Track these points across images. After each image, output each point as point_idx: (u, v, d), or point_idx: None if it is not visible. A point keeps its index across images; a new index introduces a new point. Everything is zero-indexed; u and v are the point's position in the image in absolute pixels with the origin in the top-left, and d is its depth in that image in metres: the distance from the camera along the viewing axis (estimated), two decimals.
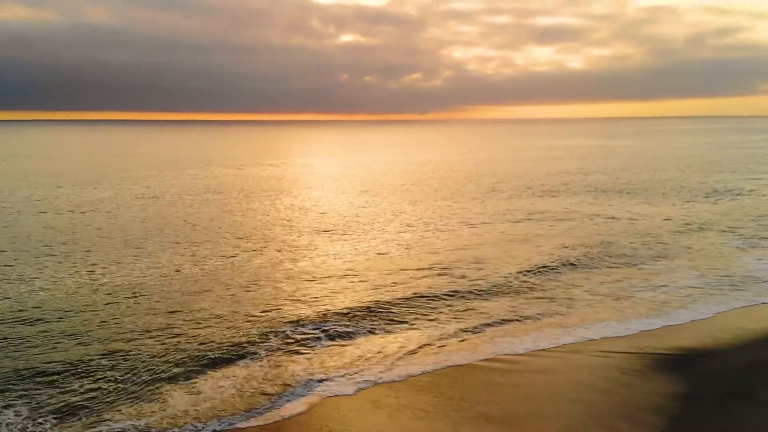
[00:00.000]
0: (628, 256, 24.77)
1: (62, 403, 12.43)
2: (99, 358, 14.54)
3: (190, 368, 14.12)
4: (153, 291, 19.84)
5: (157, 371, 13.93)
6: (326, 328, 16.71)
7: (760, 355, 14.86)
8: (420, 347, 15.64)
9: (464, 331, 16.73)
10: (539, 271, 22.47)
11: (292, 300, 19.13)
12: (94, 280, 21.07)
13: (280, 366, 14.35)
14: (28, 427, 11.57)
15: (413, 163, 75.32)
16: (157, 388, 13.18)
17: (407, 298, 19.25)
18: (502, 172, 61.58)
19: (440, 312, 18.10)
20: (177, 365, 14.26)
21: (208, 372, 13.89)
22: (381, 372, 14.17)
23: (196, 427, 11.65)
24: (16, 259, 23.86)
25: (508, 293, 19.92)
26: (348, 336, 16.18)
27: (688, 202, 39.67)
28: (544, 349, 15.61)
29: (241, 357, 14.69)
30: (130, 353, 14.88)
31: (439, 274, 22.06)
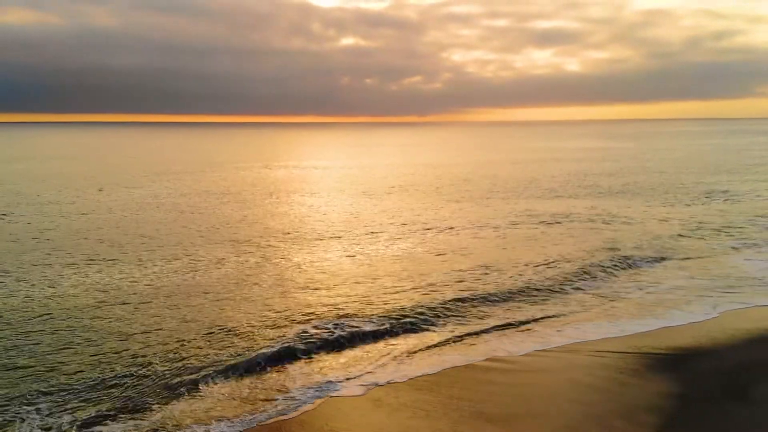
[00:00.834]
0: (626, 256, 24.77)
1: (69, 403, 12.46)
2: (108, 359, 14.59)
3: (192, 369, 14.12)
4: (173, 291, 19.92)
5: (161, 372, 13.95)
6: (327, 329, 16.72)
7: (755, 355, 14.90)
8: (420, 348, 15.67)
9: (464, 331, 16.76)
10: (537, 272, 22.48)
11: (294, 302, 19.16)
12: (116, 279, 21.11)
13: (280, 366, 14.35)
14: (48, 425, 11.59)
15: (422, 165, 74.83)
16: (160, 388, 13.19)
17: (407, 299, 19.26)
18: (504, 173, 61.58)
19: (440, 312, 18.11)
20: (180, 365, 14.28)
21: (210, 373, 13.86)
22: (381, 372, 14.20)
23: (196, 428, 11.64)
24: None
25: (507, 294, 19.91)
26: (348, 337, 16.18)
27: (685, 203, 39.68)
28: (542, 350, 15.64)
29: (243, 358, 14.66)
30: (135, 354, 14.90)
31: (439, 275, 22.07)
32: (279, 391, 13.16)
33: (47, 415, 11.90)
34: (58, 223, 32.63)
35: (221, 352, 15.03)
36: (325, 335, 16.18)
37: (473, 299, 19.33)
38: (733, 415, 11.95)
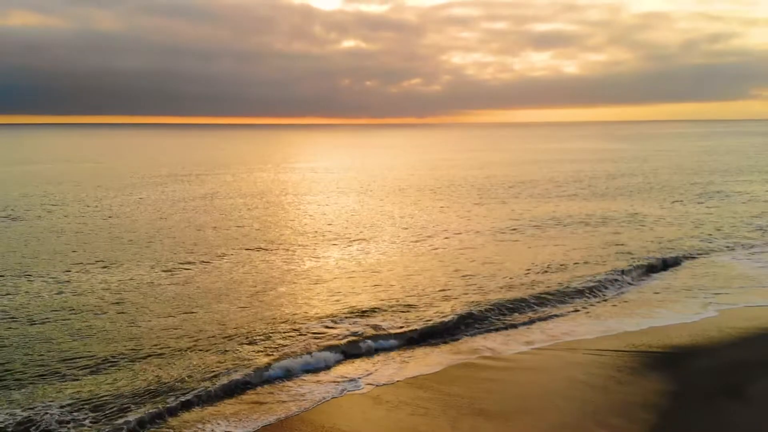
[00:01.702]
0: (623, 255, 24.80)
1: (79, 398, 12.48)
2: (121, 357, 14.65)
3: (199, 370, 14.13)
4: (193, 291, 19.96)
5: (169, 370, 13.98)
6: (329, 328, 16.75)
7: (751, 354, 14.92)
8: (419, 346, 15.68)
9: (463, 330, 16.78)
10: (536, 272, 22.49)
11: (297, 302, 19.21)
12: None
13: (282, 367, 14.32)
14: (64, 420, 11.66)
15: (432, 167, 74.54)
16: (165, 387, 13.19)
17: (408, 298, 19.29)
18: (506, 175, 61.56)
19: (439, 311, 18.12)
20: (187, 366, 14.30)
21: (215, 373, 13.83)
22: (382, 371, 14.22)
23: (199, 426, 11.65)
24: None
25: (505, 292, 19.92)
26: (349, 336, 16.19)
27: (681, 203, 39.66)
28: (540, 348, 15.68)
29: (247, 360, 14.62)
30: (147, 352, 14.94)
31: (440, 274, 22.12)
32: (282, 391, 13.12)
33: (64, 412, 11.95)
34: (85, 224, 32.37)
35: (225, 353, 15.02)
36: (326, 336, 16.18)
37: (471, 297, 19.33)
38: (728, 413, 11.97)
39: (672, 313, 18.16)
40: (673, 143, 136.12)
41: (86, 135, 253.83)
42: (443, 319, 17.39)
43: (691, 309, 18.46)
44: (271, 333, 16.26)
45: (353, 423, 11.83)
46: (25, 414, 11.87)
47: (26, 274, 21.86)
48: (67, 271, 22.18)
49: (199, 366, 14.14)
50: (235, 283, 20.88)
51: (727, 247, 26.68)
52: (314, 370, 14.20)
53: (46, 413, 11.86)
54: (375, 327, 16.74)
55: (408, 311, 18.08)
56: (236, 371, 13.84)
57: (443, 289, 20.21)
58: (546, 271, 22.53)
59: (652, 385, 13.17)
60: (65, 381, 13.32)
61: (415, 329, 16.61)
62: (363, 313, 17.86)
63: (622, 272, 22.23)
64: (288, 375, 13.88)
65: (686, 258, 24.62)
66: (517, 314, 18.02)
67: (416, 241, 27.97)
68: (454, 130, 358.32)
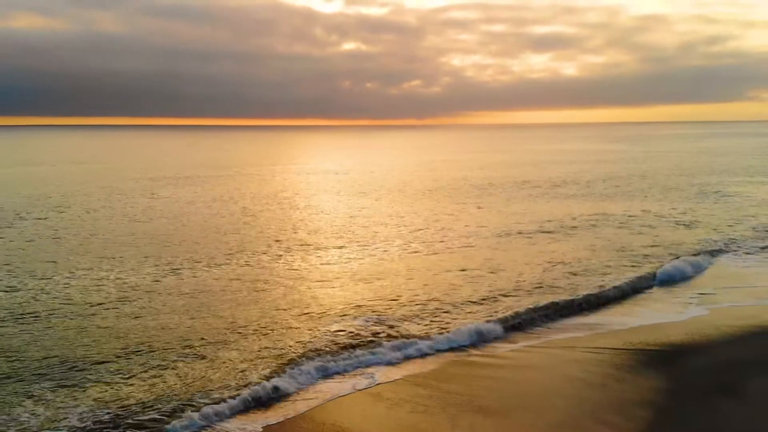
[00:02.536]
0: (620, 253, 24.83)
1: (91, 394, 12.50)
2: (130, 352, 14.70)
3: (198, 364, 14.17)
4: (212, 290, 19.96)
5: (166, 365, 14.01)
6: (330, 329, 16.77)
7: (746, 352, 14.94)
8: (418, 345, 15.68)
9: (462, 327, 16.78)
10: (535, 270, 22.52)
11: (301, 301, 19.24)
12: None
13: (282, 364, 14.35)
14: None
15: (438, 168, 74.35)
16: (162, 382, 13.24)
17: (409, 297, 19.33)
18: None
19: (438, 309, 18.14)
20: (189, 363, 14.32)
21: (218, 374, 13.81)
22: (381, 368, 14.23)
23: (204, 423, 11.65)
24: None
25: (504, 291, 19.95)
26: (350, 334, 16.21)
27: (677, 203, 39.69)
28: (538, 346, 15.70)
29: (250, 359, 14.60)
30: (153, 350, 14.97)
31: (439, 273, 22.15)
32: (284, 389, 13.05)
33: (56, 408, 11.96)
34: (102, 226, 32.36)
35: (230, 351, 15.04)
36: (328, 336, 16.19)
37: (470, 295, 19.37)
38: (724, 410, 11.99)
39: (669, 311, 18.23)
40: (672, 144, 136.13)
41: (90, 136, 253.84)
42: (441, 317, 17.44)
43: (687, 307, 18.51)
44: (272, 332, 16.28)
45: (354, 420, 11.85)
46: (48, 413, 11.89)
47: (37, 273, 21.90)
48: (90, 269, 22.24)
49: (198, 363, 14.17)
50: (266, 283, 20.93)
51: (723, 246, 26.66)
52: (313, 369, 14.14)
53: (69, 414, 11.84)
54: (376, 324, 16.74)
55: (409, 309, 18.10)
56: (237, 369, 13.89)
57: (440, 287, 20.24)
58: (543, 270, 22.55)
59: (649, 383, 13.19)
60: (94, 383, 13.34)
61: (414, 327, 16.61)
62: (365, 312, 17.88)
63: (618, 271, 22.22)
64: (290, 373, 13.82)
65: (683, 257, 24.59)
66: (514, 312, 17.96)
67: (437, 245, 27.99)
68: (454, 132, 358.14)
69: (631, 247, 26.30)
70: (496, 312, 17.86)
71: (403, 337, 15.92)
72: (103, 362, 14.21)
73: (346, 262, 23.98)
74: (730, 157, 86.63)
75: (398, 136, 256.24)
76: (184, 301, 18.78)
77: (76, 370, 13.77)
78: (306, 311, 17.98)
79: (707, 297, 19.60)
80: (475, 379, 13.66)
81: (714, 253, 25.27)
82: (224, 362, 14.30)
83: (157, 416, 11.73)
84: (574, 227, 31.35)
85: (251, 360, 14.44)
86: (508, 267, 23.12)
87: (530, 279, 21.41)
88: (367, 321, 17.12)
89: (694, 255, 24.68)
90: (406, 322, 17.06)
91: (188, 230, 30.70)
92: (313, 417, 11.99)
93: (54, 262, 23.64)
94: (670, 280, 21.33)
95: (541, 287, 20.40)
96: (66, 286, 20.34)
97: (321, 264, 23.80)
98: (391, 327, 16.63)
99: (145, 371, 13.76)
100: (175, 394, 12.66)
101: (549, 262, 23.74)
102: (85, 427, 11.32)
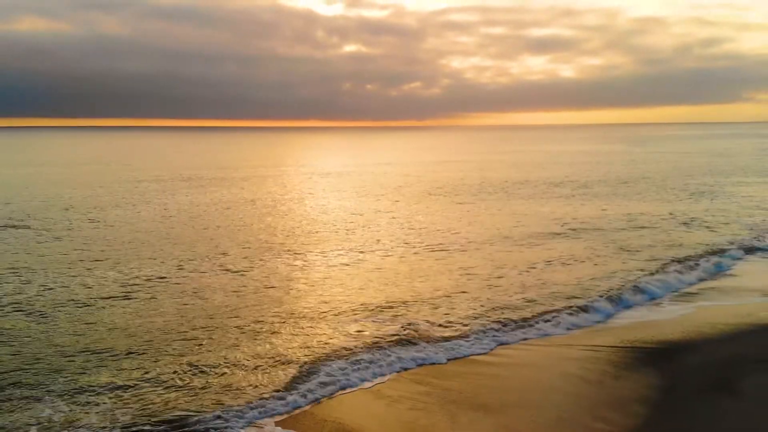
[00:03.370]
0: (619, 251, 24.85)
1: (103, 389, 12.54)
2: (139, 351, 14.69)
3: (205, 362, 14.18)
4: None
5: (177, 360, 14.03)
6: (332, 325, 16.79)
7: (742, 349, 14.94)
8: (418, 342, 15.70)
9: (461, 325, 16.80)
10: (533, 269, 22.55)
11: (308, 298, 19.25)
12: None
13: (289, 365, 14.36)
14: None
15: (446, 168, 74.48)
16: (173, 377, 13.27)
17: (411, 296, 19.35)
18: (504, 177, 61.63)
19: (437, 308, 18.16)
20: (192, 359, 14.35)
21: (226, 370, 13.80)
22: (380, 366, 14.23)
23: (209, 419, 11.69)
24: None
25: (503, 289, 19.98)
26: (351, 334, 16.23)
27: (672, 203, 39.70)
28: (537, 343, 15.71)
29: (255, 357, 14.61)
30: (166, 348, 15.01)
31: (440, 272, 22.17)
32: (287, 388, 12.99)
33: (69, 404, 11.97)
34: (139, 226, 32.44)
35: (237, 348, 15.04)
36: (333, 336, 16.22)
37: (467, 294, 19.40)
38: (719, 407, 12.00)
39: (665, 309, 18.25)
40: (671, 145, 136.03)
41: (96, 138, 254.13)
42: (439, 317, 17.46)
43: (684, 306, 18.53)
44: (279, 331, 16.32)
45: (354, 417, 11.86)
46: (68, 409, 11.91)
47: (71, 271, 21.96)
48: (117, 265, 22.26)
49: (204, 360, 14.22)
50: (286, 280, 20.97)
51: (718, 244, 26.66)
52: (315, 367, 14.17)
53: (90, 409, 11.86)
54: (376, 323, 16.77)
55: (409, 308, 18.12)
56: (241, 366, 13.92)
57: (440, 286, 20.28)
58: (540, 268, 22.59)
59: (646, 380, 13.21)
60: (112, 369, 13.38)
61: (414, 325, 16.61)
62: (367, 312, 17.90)
63: (616, 267, 22.23)
64: (294, 371, 13.84)
65: (680, 256, 24.60)
66: (512, 310, 17.97)
67: (430, 240, 28.03)
68: (454, 133, 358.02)
69: (634, 248, 26.22)
70: (502, 314, 17.73)
71: (413, 340, 15.70)
72: (124, 358, 14.28)
73: (361, 263, 23.99)
74: (738, 158, 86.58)
75: (399, 137, 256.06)
76: (204, 300, 18.79)
77: (96, 367, 13.81)
78: (326, 310, 17.99)
79: (705, 296, 19.59)
80: (475, 377, 13.67)
81: (713, 252, 25.25)
82: (241, 361, 14.26)
83: (180, 414, 11.73)
84: (577, 228, 31.36)
85: (261, 361, 14.48)
86: (518, 268, 23.15)
87: (534, 280, 21.42)
88: (379, 322, 17.13)
89: (695, 255, 24.69)
90: (419, 324, 16.89)
91: (217, 231, 30.59)
92: (314, 414, 12.00)
93: (102, 260, 23.70)
94: (670, 281, 21.32)
95: (544, 289, 20.39)
96: (104, 281, 20.49)
97: (344, 264, 23.70)
98: (404, 330, 16.35)
99: (172, 369, 13.78)
100: (195, 393, 12.69)
101: (548, 263, 23.77)
102: (105, 427, 11.24)
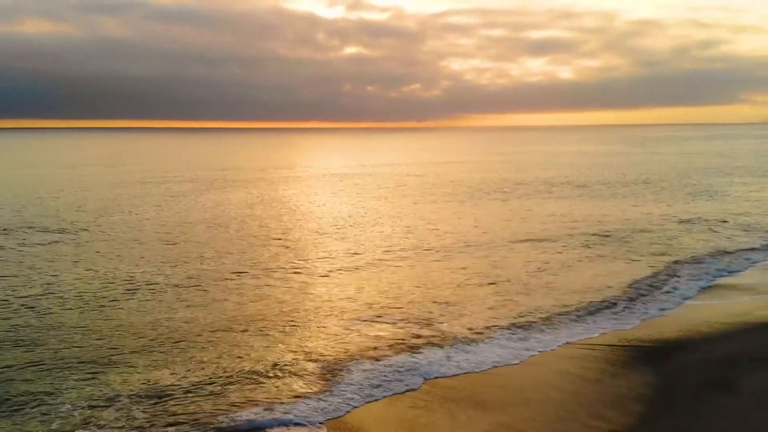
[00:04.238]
0: (616, 250, 24.84)
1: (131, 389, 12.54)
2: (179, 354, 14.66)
3: (225, 369, 14.06)
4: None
5: (205, 368, 13.92)
6: (344, 326, 16.80)
7: (737, 348, 14.93)
8: (417, 340, 15.70)
9: (460, 325, 16.81)
10: (532, 267, 22.55)
11: (326, 299, 19.24)
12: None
13: (305, 363, 14.35)
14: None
15: (456, 170, 74.21)
16: (203, 381, 13.17)
17: (412, 295, 19.36)
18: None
19: (437, 305, 18.16)
20: (218, 362, 14.33)
21: (260, 377, 13.44)
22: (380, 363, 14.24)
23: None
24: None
25: (501, 288, 19.98)
26: (370, 336, 16.23)
27: (669, 202, 39.68)
28: (536, 348, 15.65)
29: (287, 365, 14.23)
30: (196, 353, 14.95)
31: (440, 269, 22.17)
32: (323, 390, 12.80)
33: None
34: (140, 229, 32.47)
35: (263, 356, 14.86)
36: (351, 338, 16.19)
37: (465, 293, 19.40)
38: (717, 405, 12.00)
39: (662, 308, 18.20)
40: (669, 146, 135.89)
41: (100, 138, 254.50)
42: (439, 315, 17.47)
43: (680, 303, 18.50)
44: (287, 333, 16.32)
45: (355, 415, 11.86)
46: (88, 404, 11.94)
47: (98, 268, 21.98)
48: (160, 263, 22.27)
49: (221, 359, 14.22)
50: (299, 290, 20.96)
51: (715, 244, 26.65)
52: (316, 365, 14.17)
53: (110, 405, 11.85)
54: (377, 322, 16.78)
55: (411, 306, 18.13)
56: (262, 375, 13.88)
57: (439, 283, 20.27)
58: (539, 267, 22.60)
59: (645, 378, 13.20)
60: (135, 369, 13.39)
61: (413, 324, 16.62)
62: (369, 312, 17.91)
63: (613, 265, 22.22)
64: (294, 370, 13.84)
65: (677, 255, 24.61)
66: (511, 308, 17.98)
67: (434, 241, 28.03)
68: (455, 134, 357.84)
69: (634, 249, 26.20)
70: (511, 317, 17.47)
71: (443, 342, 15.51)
72: (145, 354, 14.37)
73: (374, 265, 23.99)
74: (736, 159, 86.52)
75: (400, 138, 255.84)
76: (227, 301, 18.78)
77: (115, 363, 13.89)
78: (343, 312, 18.01)
79: (702, 294, 19.58)
80: (474, 375, 13.67)
81: (712, 252, 25.22)
82: (260, 363, 14.16)
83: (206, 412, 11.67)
84: (577, 229, 31.35)
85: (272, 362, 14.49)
86: (522, 270, 23.16)
87: (538, 282, 21.42)
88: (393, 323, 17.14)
89: (693, 255, 24.68)
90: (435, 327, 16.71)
91: (237, 233, 30.42)
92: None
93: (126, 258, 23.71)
94: (669, 281, 21.31)
95: (544, 290, 20.37)
96: (125, 280, 20.58)
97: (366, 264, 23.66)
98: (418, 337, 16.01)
99: (196, 365, 13.81)
100: (214, 391, 12.65)
101: (547, 263, 23.79)
102: (124, 425, 11.22)
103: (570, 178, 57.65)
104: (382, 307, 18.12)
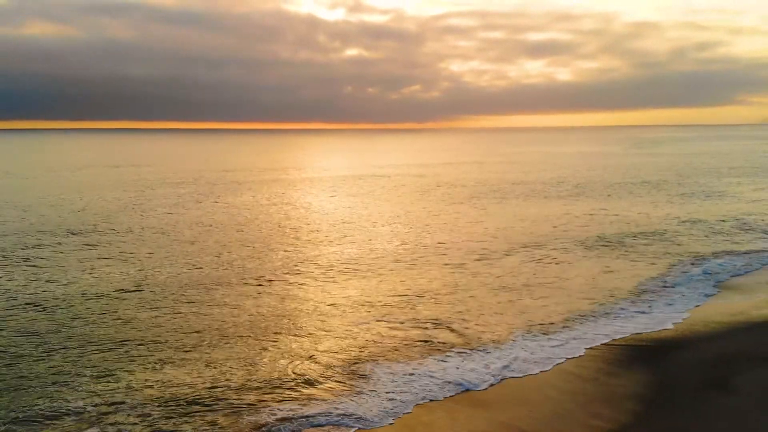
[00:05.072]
0: (615, 250, 24.84)
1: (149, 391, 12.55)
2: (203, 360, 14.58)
3: (262, 376, 13.67)
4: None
5: (236, 371, 13.87)
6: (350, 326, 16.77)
7: (734, 347, 14.93)
8: (418, 340, 15.72)
9: (458, 324, 16.82)
10: (531, 266, 22.56)
11: (349, 305, 19.21)
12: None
13: (321, 364, 14.36)
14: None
15: (462, 170, 73.55)
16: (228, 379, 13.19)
17: (414, 294, 19.37)
18: (502, 177, 61.59)
19: (437, 305, 18.18)
20: (252, 374, 14.19)
21: (302, 379, 13.33)
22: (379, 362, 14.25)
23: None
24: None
25: (501, 287, 19.99)
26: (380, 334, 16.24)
27: (665, 202, 39.68)
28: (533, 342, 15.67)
29: (284, 357, 14.55)
30: (219, 357, 14.90)
31: (440, 269, 22.20)
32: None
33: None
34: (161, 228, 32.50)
35: (266, 351, 14.90)
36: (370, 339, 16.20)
37: (463, 292, 19.42)
38: (713, 404, 12.00)
39: (660, 307, 18.18)
40: (667, 147, 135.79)
41: (104, 139, 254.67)
42: (437, 315, 17.47)
43: (678, 303, 18.49)
44: (302, 339, 16.33)
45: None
46: (100, 400, 11.99)
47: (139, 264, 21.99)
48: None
49: (256, 368, 14.23)
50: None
51: (719, 246, 26.65)
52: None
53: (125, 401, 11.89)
54: (377, 322, 16.79)
55: (411, 305, 18.15)
56: (306, 380, 13.86)
57: (439, 284, 20.28)
58: (539, 266, 22.62)
59: (641, 377, 13.21)
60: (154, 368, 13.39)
61: (414, 323, 16.64)
62: (370, 312, 17.92)
63: (612, 265, 22.22)
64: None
65: (675, 254, 24.61)
66: (510, 307, 18.00)
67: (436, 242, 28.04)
68: (454, 135, 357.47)
69: (635, 250, 26.14)
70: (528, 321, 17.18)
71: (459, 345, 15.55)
72: (163, 351, 14.43)
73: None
74: (734, 159, 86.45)
75: (401, 139, 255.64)
76: (238, 302, 18.79)
77: (133, 360, 13.97)
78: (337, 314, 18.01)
79: (701, 294, 19.56)
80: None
81: (711, 252, 25.21)
82: (272, 363, 14.15)
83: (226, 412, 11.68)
84: (577, 229, 31.36)
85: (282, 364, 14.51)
86: (527, 274, 23.17)
87: (542, 283, 21.42)
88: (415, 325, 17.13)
89: (692, 256, 24.67)
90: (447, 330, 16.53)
91: (255, 234, 30.48)
92: None
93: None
94: (668, 281, 21.32)
95: (544, 291, 20.36)
96: (141, 279, 20.52)
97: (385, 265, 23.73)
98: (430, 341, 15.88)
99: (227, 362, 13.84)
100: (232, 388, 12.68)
101: (545, 264, 23.78)
102: (136, 423, 11.23)
103: (572, 179, 57.62)
104: (390, 308, 18.12)
